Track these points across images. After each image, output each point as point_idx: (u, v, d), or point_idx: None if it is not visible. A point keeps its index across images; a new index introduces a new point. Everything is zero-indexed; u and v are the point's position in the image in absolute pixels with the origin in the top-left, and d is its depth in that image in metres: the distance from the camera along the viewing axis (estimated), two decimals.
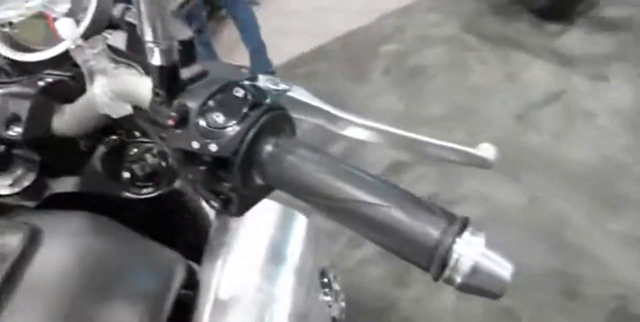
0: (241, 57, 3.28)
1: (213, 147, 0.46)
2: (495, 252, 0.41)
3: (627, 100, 2.78)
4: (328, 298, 0.74)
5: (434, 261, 0.41)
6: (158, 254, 0.70)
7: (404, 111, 2.87)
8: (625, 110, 2.73)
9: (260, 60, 3.26)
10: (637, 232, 2.16)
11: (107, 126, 0.71)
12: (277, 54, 3.37)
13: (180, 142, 0.48)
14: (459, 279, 0.41)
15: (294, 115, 0.60)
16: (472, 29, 3.53)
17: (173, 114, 0.47)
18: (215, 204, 0.51)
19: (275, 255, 0.76)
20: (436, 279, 0.42)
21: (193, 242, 0.84)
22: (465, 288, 0.41)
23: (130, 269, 0.63)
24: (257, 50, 3.26)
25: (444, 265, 0.41)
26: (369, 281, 2.13)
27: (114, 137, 0.75)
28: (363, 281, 2.14)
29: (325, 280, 0.77)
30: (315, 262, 0.79)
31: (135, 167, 0.75)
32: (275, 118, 0.48)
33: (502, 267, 0.41)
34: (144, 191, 0.77)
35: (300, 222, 0.83)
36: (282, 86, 0.60)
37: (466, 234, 0.41)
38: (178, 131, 0.48)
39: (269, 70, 3.26)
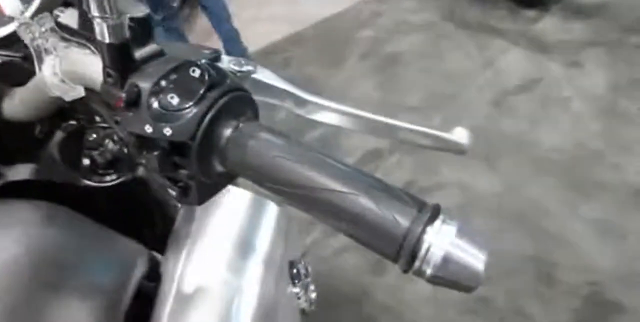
0: (217, 46, 3.23)
1: (167, 131, 0.43)
2: (468, 242, 0.38)
3: (600, 86, 2.79)
4: (297, 290, 0.72)
5: (402, 251, 0.38)
6: (118, 245, 0.67)
7: (380, 98, 2.85)
8: (599, 96, 2.74)
9: (233, 48, 3.20)
10: (611, 218, 2.17)
11: (64, 111, 0.67)
12: (253, 41, 3.32)
13: (133, 125, 0.45)
14: (429, 271, 0.38)
15: (260, 98, 0.57)
16: (449, 15, 3.51)
17: (122, 94, 0.43)
18: (173, 193, 0.48)
19: (244, 246, 0.73)
20: (405, 271, 0.39)
21: (160, 232, 0.81)
22: (437, 280, 0.39)
23: (85, 261, 0.60)
24: (230, 37, 3.20)
25: (413, 256, 0.38)
26: (346, 269, 2.12)
27: (73, 122, 0.71)
28: (340, 269, 2.12)
29: (295, 271, 0.74)
30: (285, 253, 0.76)
31: (95, 153, 0.71)
32: (235, 100, 0.45)
33: (475, 258, 0.38)
34: (106, 178, 0.73)
35: (271, 212, 0.80)
36: (247, 68, 0.57)
37: (437, 223, 0.38)
38: (130, 114, 0.44)
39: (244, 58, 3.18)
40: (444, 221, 0.39)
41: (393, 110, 2.69)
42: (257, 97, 0.52)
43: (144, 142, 0.46)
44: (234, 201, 0.78)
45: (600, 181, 2.31)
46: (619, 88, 2.77)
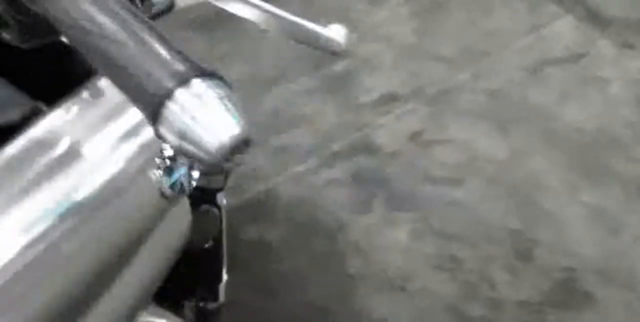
0: None
1: None
2: (225, 111, 0.35)
3: None
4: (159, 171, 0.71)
5: (155, 112, 0.36)
6: None
7: (415, 43, 2.73)
8: None
9: None
10: (610, 209, 2.08)
11: None
12: None
13: None
14: (170, 137, 0.36)
15: None
16: None
17: None
18: None
19: None
20: (157, 134, 0.37)
21: None
22: (178, 149, 0.36)
23: None
24: None
25: (159, 118, 0.36)
26: (330, 202, 2.11)
27: None
28: (324, 201, 2.11)
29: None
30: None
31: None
32: None
33: (225, 128, 0.35)
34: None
35: None
36: None
37: (198, 88, 0.35)
38: None
39: None
40: (209, 87, 0.35)
41: (424, 57, 2.59)
42: None
43: None
44: None
45: (611, 169, 2.20)
46: None
